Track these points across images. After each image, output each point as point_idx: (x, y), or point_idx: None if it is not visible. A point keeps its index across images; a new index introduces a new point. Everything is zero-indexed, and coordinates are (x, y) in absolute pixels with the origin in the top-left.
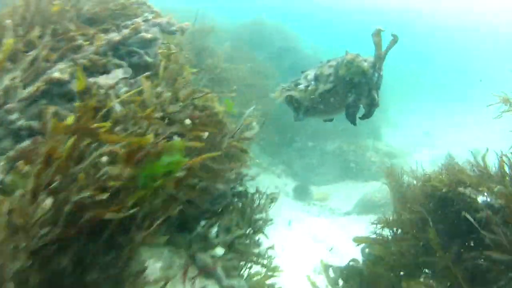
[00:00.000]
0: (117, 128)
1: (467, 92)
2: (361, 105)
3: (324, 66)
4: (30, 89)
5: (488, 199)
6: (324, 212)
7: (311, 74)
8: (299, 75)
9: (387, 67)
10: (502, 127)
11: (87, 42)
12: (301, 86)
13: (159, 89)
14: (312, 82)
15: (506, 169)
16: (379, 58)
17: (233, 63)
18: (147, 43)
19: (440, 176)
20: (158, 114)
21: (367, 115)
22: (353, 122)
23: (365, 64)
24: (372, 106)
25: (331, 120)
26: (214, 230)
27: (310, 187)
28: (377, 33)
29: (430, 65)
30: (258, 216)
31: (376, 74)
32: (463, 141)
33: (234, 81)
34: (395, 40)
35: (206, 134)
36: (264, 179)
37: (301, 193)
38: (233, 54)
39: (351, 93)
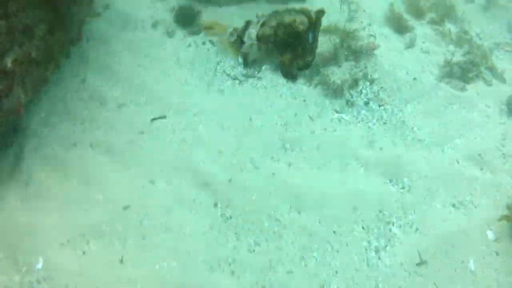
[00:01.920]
0: None
1: None
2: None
3: (265, 25)
4: None
5: None
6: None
7: (253, 32)
8: None
9: None
10: None
11: None
12: (246, 45)
13: None
14: (255, 42)
15: None
16: (315, 26)
17: None
18: None
19: None
20: None
21: (303, 67)
22: (293, 78)
23: (301, 28)
24: (306, 60)
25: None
26: None
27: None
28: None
29: None
30: None
31: (311, 35)
32: None
33: None
34: (323, 12)
35: None
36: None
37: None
38: None
39: (287, 51)
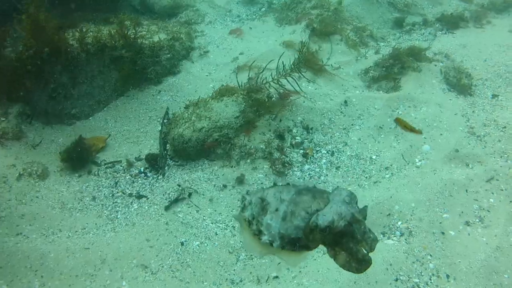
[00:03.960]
0: None
1: None
2: None
3: (288, 223)
4: None
5: None
6: None
7: (273, 226)
8: None
9: None
10: None
11: None
12: (265, 239)
13: None
14: (278, 241)
15: None
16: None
17: None
18: None
19: None
20: None
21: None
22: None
23: (343, 224)
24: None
25: None
26: None
27: None
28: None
29: None
30: None
31: (361, 227)
32: None
33: None
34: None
35: None
36: None
37: None
38: None
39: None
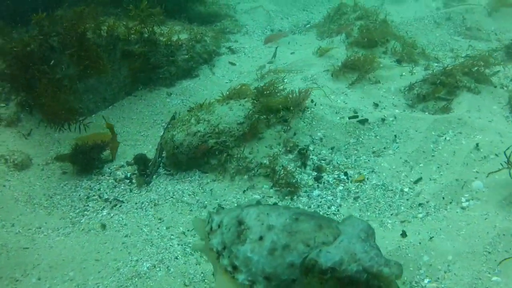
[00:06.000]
0: None
1: None
2: None
3: (278, 260)
4: None
5: None
6: None
7: (254, 261)
8: None
9: None
10: None
11: None
12: (242, 279)
13: None
14: (262, 283)
15: None
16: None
17: None
18: None
19: None
20: None
21: None
22: None
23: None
24: None
25: None
26: None
27: None
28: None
29: None
30: None
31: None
32: None
33: None
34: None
35: None
36: None
37: None
38: None
39: None
